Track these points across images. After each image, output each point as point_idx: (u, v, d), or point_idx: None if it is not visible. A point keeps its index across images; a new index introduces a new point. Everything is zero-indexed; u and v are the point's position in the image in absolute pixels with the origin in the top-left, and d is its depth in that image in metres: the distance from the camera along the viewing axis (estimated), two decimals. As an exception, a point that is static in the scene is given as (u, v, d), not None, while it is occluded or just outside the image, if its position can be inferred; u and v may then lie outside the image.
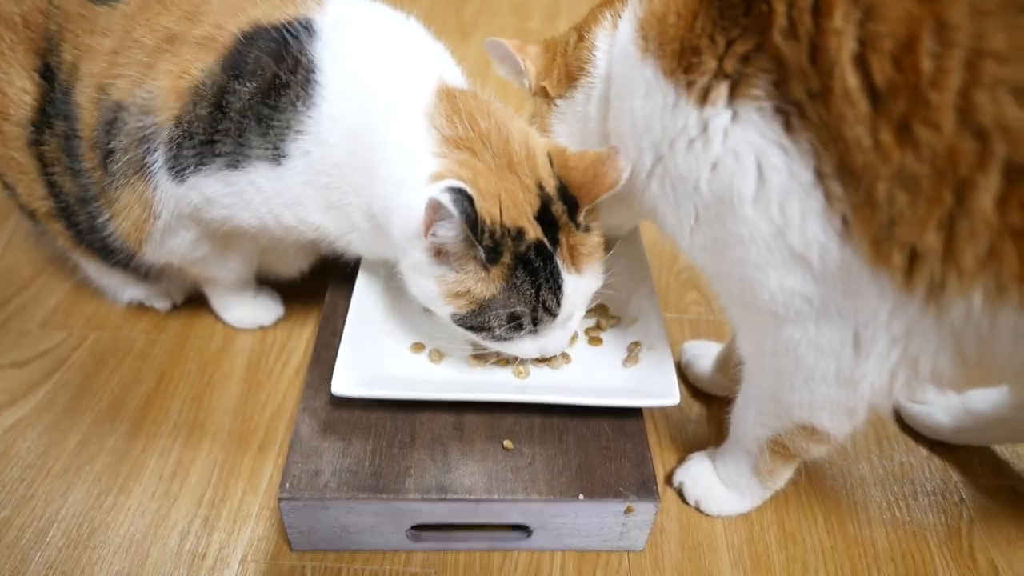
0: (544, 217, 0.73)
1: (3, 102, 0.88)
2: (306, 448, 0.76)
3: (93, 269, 1.01)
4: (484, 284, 0.72)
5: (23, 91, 0.87)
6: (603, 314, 0.92)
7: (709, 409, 0.96)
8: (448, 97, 0.77)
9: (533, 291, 0.72)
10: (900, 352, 0.58)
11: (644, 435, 0.80)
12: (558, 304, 0.74)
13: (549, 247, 0.72)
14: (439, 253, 0.73)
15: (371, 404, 0.80)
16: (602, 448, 0.78)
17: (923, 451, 0.92)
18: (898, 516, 0.85)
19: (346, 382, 0.77)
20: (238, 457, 0.88)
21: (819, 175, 0.53)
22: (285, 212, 0.81)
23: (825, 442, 0.70)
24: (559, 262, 0.73)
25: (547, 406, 0.80)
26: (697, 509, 0.84)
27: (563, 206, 0.73)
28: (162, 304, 1.06)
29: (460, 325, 0.76)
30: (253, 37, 0.77)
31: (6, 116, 0.88)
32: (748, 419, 0.75)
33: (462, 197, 0.67)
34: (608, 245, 1.01)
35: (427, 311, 0.90)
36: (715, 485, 0.82)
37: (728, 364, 0.91)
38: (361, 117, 0.76)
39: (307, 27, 0.77)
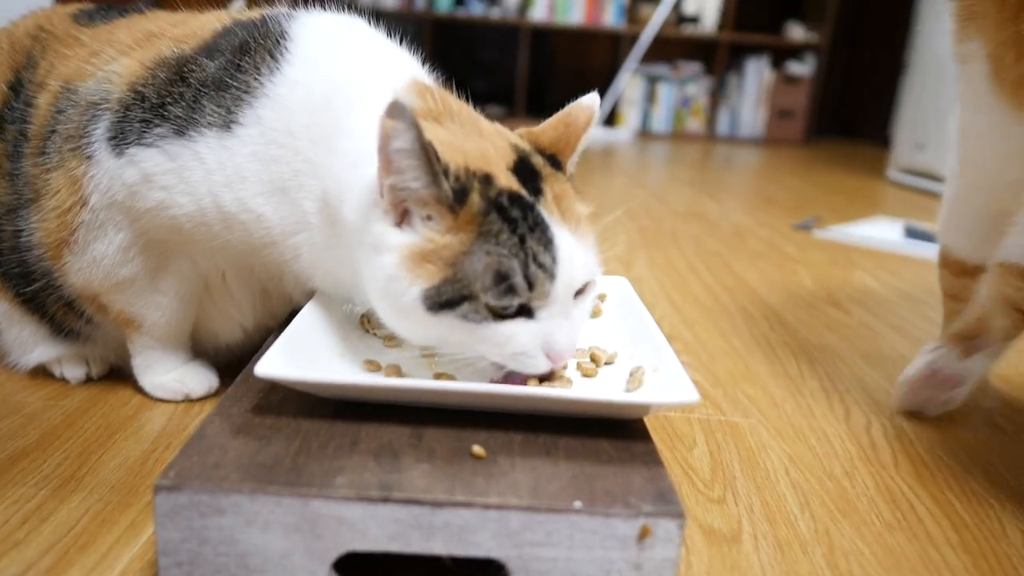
0: (522, 170, 0.64)
1: None
2: (208, 444, 0.57)
3: (2, 312, 0.86)
4: (453, 234, 0.60)
5: (-16, 96, 0.82)
6: (598, 351, 0.77)
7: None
8: (423, 86, 0.73)
9: (516, 240, 0.60)
10: None
11: (656, 455, 0.61)
12: (553, 260, 0.61)
13: (528, 197, 0.62)
14: (401, 212, 0.62)
15: (304, 409, 0.62)
16: (603, 463, 0.59)
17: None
18: None
19: (276, 364, 0.61)
20: (119, 511, 0.66)
21: None
22: (226, 193, 0.71)
23: None
24: (544, 212, 0.62)
25: (533, 417, 0.63)
26: None
27: (543, 160, 0.67)
28: (74, 372, 0.89)
29: (435, 306, 0.60)
30: (231, 28, 0.76)
31: None
32: None
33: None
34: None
35: (392, 340, 0.76)
36: None
37: None
38: (327, 86, 0.71)
39: (288, 15, 0.76)
